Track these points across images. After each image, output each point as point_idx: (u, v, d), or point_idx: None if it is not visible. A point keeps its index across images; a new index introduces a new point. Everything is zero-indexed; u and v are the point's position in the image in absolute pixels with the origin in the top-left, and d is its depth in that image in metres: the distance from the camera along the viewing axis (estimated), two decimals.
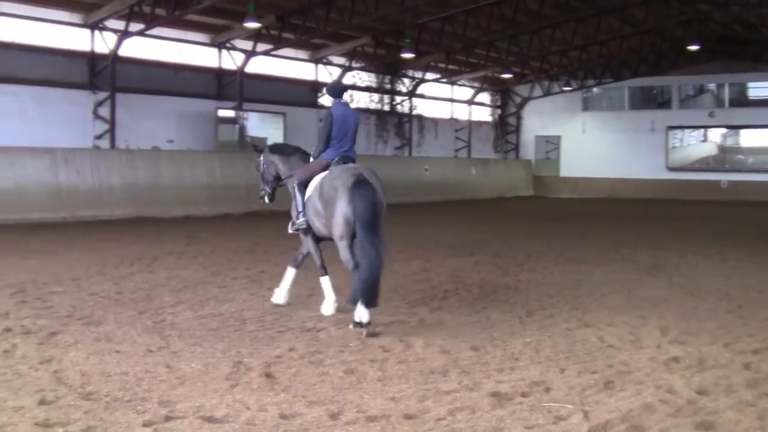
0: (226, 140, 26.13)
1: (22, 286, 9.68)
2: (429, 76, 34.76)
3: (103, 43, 22.62)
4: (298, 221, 8.30)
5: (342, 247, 7.55)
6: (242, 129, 26.79)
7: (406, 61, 29.65)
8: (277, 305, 8.60)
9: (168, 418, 4.85)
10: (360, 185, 7.44)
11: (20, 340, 6.86)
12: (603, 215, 25.39)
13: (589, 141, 39.14)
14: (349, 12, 23.83)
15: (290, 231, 8.47)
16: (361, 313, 7.33)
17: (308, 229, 8.28)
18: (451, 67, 33.80)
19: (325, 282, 8.34)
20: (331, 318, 8.03)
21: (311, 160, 8.52)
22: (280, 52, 27.43)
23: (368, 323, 7.30)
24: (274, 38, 25.55)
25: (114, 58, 22.66)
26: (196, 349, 6.64)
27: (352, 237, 7.47)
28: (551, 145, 40.75)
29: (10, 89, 20.66)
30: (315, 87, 29.98)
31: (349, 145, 8.27)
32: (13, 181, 19.11)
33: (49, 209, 19.38)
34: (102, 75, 22.74)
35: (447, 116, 37.77)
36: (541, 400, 5.32)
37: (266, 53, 26.94)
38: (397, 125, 33.92)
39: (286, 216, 8.91)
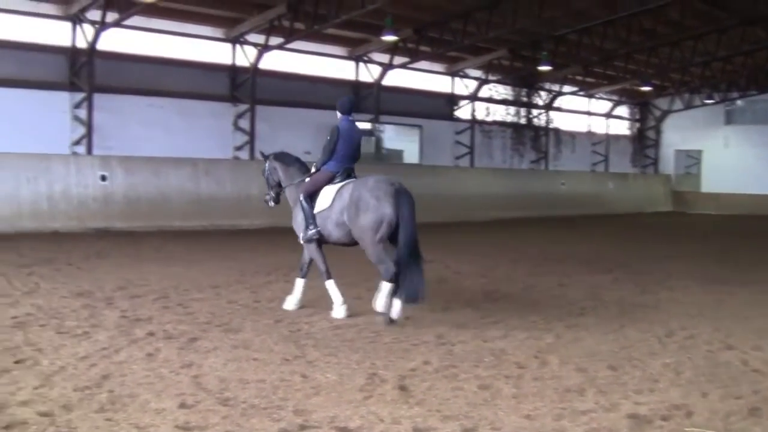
0: (362, 153, 26.11)
1: (164, 292, 9.91)
2: (566, 89, 34.03)
3: (243, 56, 23.29)
4: (310, 231, 8.68)
5: (378, 249, 8.08)
6: (378, 141, 27.03)
7: (543, 73, 29.13)
8: (289, 310, 8.88)
9: (303, 427, 4.88)
10: (402, 193, 8.13)
11: (162, 344, 7.02)
12: (746, 232, 24.12)
13: (731, 156, 37.09)
14: (486, 25, 23.56)
15: (302, 241, 8.85)
16: (397, 309, 7.98)
17: (319, 237, 8.68)
18: (588, 79, 33.06)
19: (331, 285, 8.74)
20: (465, 332, 7.89)
21: (312, 171, 8.92)
22: (417, 65, 27.49)
23: (392, 319, 7.96)
24: (411, 51, 25.67)
25: (254, 71, 23.31)
26: (331, 359, 6.65)
27: (388, 240, 8.09)
28: (692, 159, 39.09)
29: (155, 102, 21.63)
30: (451, 100, 29.92)
31: (351, 159, 8.73)
32: (157, 190, 19.95)
33: (190, 218, 20.04)
34: (242, 87, 23.37)
35: (584, 129, 36.89)
36: (683, 424, 5.11)
37: (403, 66, 27.06)
38: (534, 138, 33.27)
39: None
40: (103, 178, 19.30)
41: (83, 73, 20.44)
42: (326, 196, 8.60)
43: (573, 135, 35.58)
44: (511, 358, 6.82)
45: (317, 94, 25.11)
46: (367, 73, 26.89)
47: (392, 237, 8.19)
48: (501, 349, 7.18)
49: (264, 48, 23.03)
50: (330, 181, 8.65)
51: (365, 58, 26.64)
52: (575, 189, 32.62)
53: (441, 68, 29.51)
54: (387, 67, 26.76)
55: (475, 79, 30.38)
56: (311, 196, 8.73)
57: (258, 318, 8.38)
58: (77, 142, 20.60)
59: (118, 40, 20.99)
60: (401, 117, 27.73)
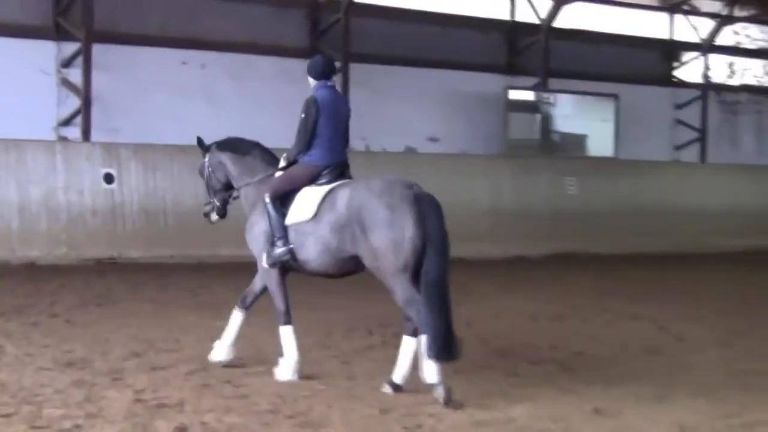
0: (521, 138, 26.19)
1: (203, 360, 10.08)
2: None
3: None
4: (277, 250, 9.07)
5: (402, 282, 8.39)
6: (546, 120, 26.75)
7: None
8: (217, 362, 9.59)
9: None
10: (425, 200, 8.43)
11: None
12: None
13: None
14: None
15: (266, 265, 9.29)
16: (431, 371, 8.28)
17: (290, 258, 9.09)
18: None
19: (288, 333, 9.21)
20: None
21: (282, 163, 9.33)
22: None
23: (441, 385, 8.24)
24: None
25: (347, 5, 23.34)
26: None
27: (415, 269, 8.39)
28: None
29: (192, 56, 22.55)
30: (668, 51, 29.71)
31: (342, 145, 9.20)
32: (195, 198, 19.35)
33: (244, 242, 19.90)
34: (328, 34, 23.74)
35: None
36: None
37: None
38: None
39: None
40: (109, 178, 19.37)
41: (74, 12, 20.65)
42: (307, 201, 8.92)
43: None
44: None
45: (447, 44, 25.33)
46: (530, 9, 26.62)
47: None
48: None
49: None
50: (313, 179, 9.01)
51: None
52: None
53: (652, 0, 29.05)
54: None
55: (710, 16, 29.68)
56: (281, 200, 9.07)
57: (352, 405, 8.37)
58: (67, 122, 20.90)
59: None
60: (584, 81, 27.38)
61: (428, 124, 24.78)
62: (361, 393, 8.78)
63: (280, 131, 21.93)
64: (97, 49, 20.65)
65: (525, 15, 26.64)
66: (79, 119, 20.67)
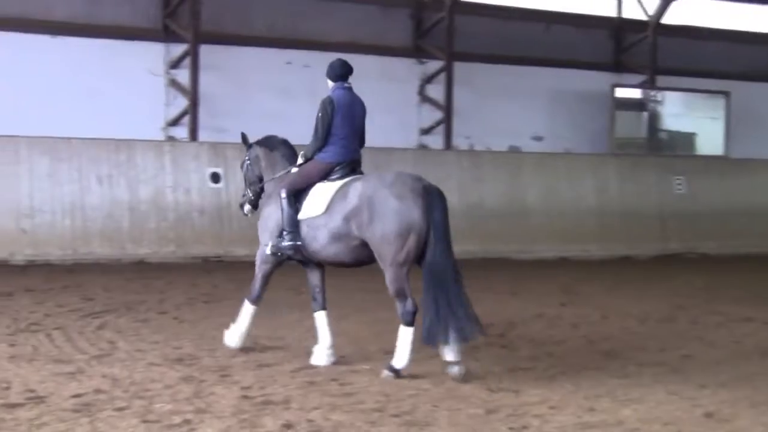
0: (627, 137, 25.89)
1: (305, 357, 10.17)
2: None
3: None
4: (284, 242, 9.67)
5: (402, 274, 9.07)
6: (654, 118, 26.38)
7: None
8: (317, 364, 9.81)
9: None
10: (434, 193, 9.08)
11: None
12: None
13: None
14: None
15: (268, 252, 9.97)
16: (448, 351, 9.05)
17: (294, 252, 9.77)
18: None
19: (248, 312, 10.23)
20: None
21: (299, 160, 9.94)
22: None
23: (458, 362, 9.07)
24: None
25: (451, 6, 23.19)
26: None
27: (417, 260, 9.12)
28: None
29: (296, 56, 22.41)
30: None
31: (356, 143, 9.80)
32: None
33: None
34: (432, 34, 23.48)
35: None
36: None
37: None
38: None
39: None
40: (215, 177, 19.58)
41: (182, 14, 20.93)
42: (320, 197, 9.51)
43: None
44: None
45: (552, 44, 25.15)
46: (637, 6, 26.38)
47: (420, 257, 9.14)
48: None
49: None
50: (326, 175, 9.61)
51: None
52: None
53: None
54: None
55: None
56: (296, 195, 9.65)
57: (458, 405, 8.35)
58: (174, 122, 21.10)
59: None
60: (693, 78, 26.83)
61: (532, 123, 24.56)
62: (466, 393, 8.76)
63: (382, 131, 22.09)
64: (204, 50, 20.79)
65: (632, 11, 26.27)
66: (186, 119, 20.84)
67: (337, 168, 9.58)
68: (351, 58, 22.29)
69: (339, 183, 9.44)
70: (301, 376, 9.22)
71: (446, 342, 8.97)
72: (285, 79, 22.05)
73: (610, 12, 26.29)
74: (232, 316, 12.35)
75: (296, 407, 7.99)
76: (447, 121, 23.38)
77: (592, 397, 8.73)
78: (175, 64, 21.01)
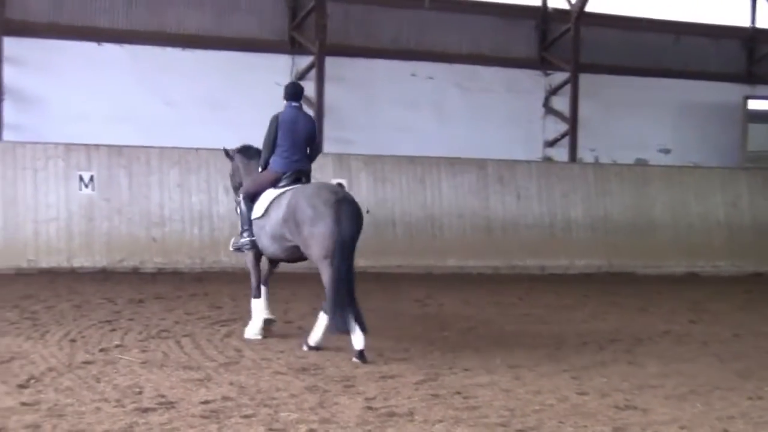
0: (760, 150, 25.48)
1: (433, 369, 10.16)
2: None
3: None
4: (242, 239, 11.48)
5: (324, 267, 10.43)
6: None
7: None
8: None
9: None
10: (344, 204, 10.40)
11: None
12: None
13: None
14: None
15: (231, 249, 11.87)
16: (357, 340, 10.28)
17: (251, 247, 11.45)
18: None
19: (257, 304, 11.47)
20: None
21: (259, 169, 11.55)
22: None
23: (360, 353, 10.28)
24: None
25: (578, 16, 23.07)
26: None
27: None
28: None
29: (421, 68, 22.68)
30: None
31: (299, 155, 11.21)
32: (422, 209, 20.49)
33: (467, 251, 20.23)
34: (558, 45, 23.48)
35: None
36: None
37: None
38: None
39: None
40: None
41: (308, 27, 21.31)
42: (263, 201, 11.11)
43: None
44: None
45: (680, 53, 25.06)
46: None
47: None
48: None
49: None
50: (274, 183, 11.14)
51: None
52: None
53: None
54: None
55: None
56: (252, 199, 11.32)
57: (584, 422, 8.17)
58: None
59: None
60: None
61: (659, 135, 24.33)
62: (593, 409, 8.60)
63: (506, 143, 22.27)
64: (330, 62, 21.06)
65: (766, 21, 25.78)
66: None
67: (284, 177, 11.06)
68: (475, 70, 22.93)
69: (280, 191, 10.93)
70: (424, 388, 9.12)
71: (340, 331, 10.37)
72: (410, 91, 22.22)
73: (743, 22, 25.81)
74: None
75: (420, 420, 7.91)
76: (572, 133, 23.30)
77: (724, 418, 8.40)
78: (301, 76, 21.20)
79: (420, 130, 21.89)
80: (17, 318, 12.35)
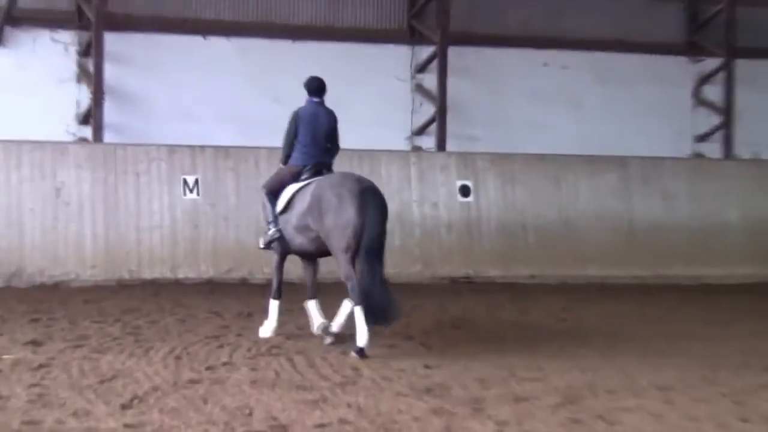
0: None
1: (571, 391, 10.05)
2: None
3: None
4: (270, 232, 12.23)
5: (345, 260, 11.31)
6: None
7: None
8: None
9: None
10: (370, 193, 11.30)
11: None
12: None
13: None
14: None
15: (261, 246, 12.67)
16: (364, 338, 11.19)
17: (279, 241, 12.21)
18: None
19: (274, 306, 12.50)
20: None
21: (280, 164, 12.71)
22: None
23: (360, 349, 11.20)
24: None
25: None
26: None
27: (357, 249, 11.27)
28: None
29: (554, 57, 22.56)
30: None
31: (320, 150, 12.21)
32: (557, 212, 20.41)
33: (609, 260, 20.06)
34: (708, 28, 23.27)
35: None
36: None
37: None
38: None
39: None
40: (465, 190, 19.70)
41: (429, 14, 21.29)
42: (287, 195, 12.04)
43: None
44: None
45: None
46: None
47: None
48: None
49: None
50: (296, 177, 12.09)
51: None
52: None
53: None
54: None
55: None
56: (275, 194, 12.22)
57: None
58: (421, 130, 21.46)
59: None
60: None
61: None
62: None
63: (651, 137, 21.92)
64: (453, 52, 21.02)
65: None
66: (433, 127, 21.06)
67: (304, 170, 12.05)
68: (616, 57, 22.72)
69: (303, 183, 11.91)
70: (562, 412, 9.03)
71: (383, 323, 11.51)
72: (541, 83, 22.13)
73: None
74: (487, 343, 12.44)
75: None
76: (727, 126, 23.07)
77: None
78: (422, 68, 21.37)
79: (553, 125, 21.74)
80: (119, 333, 12.53)
